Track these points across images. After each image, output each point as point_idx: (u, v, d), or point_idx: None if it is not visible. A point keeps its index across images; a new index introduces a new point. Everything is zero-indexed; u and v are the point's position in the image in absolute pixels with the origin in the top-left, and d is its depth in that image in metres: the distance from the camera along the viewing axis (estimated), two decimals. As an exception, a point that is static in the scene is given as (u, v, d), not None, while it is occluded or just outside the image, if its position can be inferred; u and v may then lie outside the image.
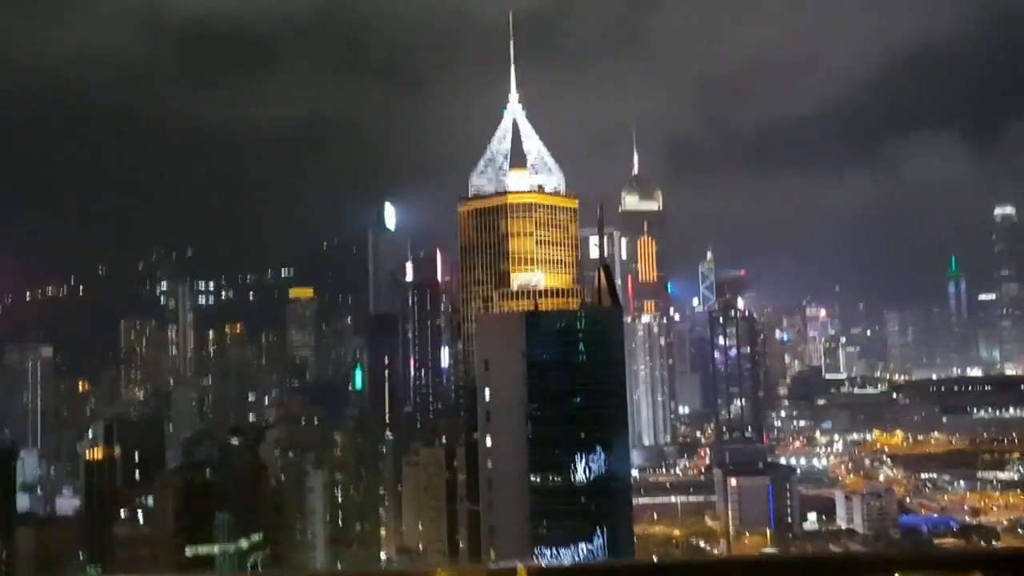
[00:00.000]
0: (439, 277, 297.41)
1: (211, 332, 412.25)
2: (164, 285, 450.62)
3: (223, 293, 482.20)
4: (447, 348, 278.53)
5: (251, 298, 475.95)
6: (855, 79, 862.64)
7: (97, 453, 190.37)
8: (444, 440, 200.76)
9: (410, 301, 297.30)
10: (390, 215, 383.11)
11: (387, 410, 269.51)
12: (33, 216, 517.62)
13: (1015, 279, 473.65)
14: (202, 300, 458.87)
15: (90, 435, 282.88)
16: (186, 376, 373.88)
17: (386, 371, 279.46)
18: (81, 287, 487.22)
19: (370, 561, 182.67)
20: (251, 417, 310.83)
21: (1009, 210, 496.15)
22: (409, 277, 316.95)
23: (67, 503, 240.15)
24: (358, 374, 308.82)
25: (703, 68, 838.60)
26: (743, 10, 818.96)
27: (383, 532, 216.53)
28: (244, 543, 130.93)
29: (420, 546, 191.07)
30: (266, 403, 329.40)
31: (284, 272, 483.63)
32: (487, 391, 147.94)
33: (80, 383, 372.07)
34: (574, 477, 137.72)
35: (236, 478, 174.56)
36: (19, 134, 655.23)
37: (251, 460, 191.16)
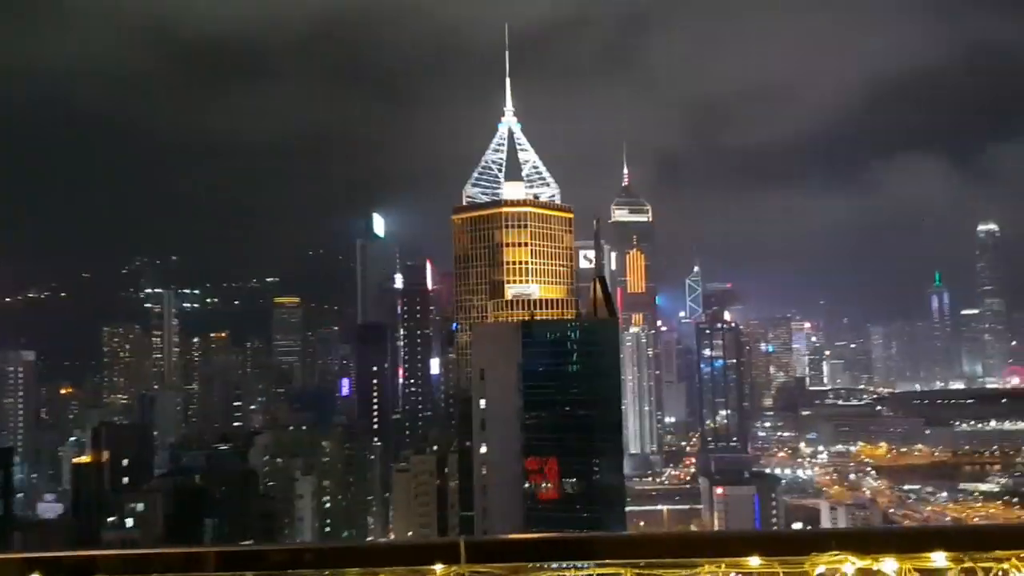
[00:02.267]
0: (429, 286, 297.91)
1: (196, 338, 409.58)
2: (149, 291, 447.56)
3: (208, 300, 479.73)
4: (437, 357, 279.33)
5: (237, 305, 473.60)
6: (844, 101, 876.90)
7: (85, 457, 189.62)
8: (435, 447, 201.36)
9: (399, 309, 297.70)
10: (379, 225, 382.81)
11: (375, 417, 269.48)
12: (18, 220, 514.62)
13: (997, 294, 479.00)
14: (187, 306, 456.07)
15: (74, 439, 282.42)
16: (171, 382, 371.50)
17: (374, 379, 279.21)
18: (64, 292, 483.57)
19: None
20: (237, 424, 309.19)
21: (992, 227, 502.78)
22: (398, 286, 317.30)
23: (49, 508, 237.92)
24: (346, 381, 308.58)
25: (694, 89, 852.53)
26: (734, 35, 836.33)
27: (371, 539, 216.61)
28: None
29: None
30: (252, 410, 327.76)
31: (270, 280, 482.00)
32: (482, 400, 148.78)
33: (62, 388, 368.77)
34: (569, 485, 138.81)
35: (225, 484, 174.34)
36: (6, 138, 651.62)
37: (240, 466, 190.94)
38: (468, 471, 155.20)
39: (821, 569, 3.47)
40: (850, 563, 3.53)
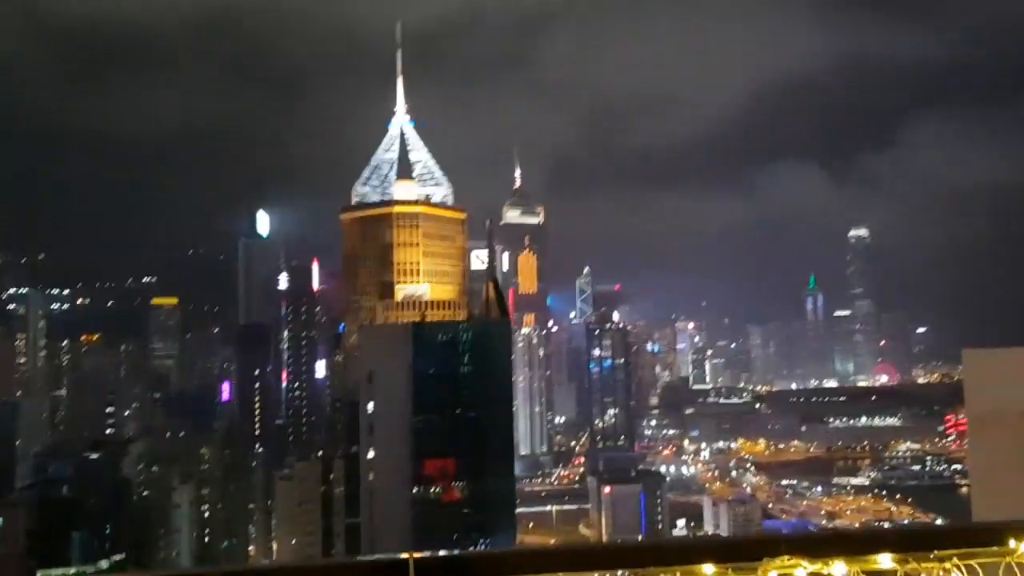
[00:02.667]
0: (315, 287, 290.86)
1: (65, 341, 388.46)
2: (12, 291, 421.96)
3: (79, 300, 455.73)
4: (323, 359, 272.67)
5: (110, 306, 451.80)
6: (727, 108, 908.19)
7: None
8: (320, 453, 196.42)
9: (283, 311, 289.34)
10: (263, 223, 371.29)
11: (257, 423, 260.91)
12: None
13: (867, 296, 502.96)
14: (55, 307, 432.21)
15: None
16: (36, 388, 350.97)
17: (257, 383, 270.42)
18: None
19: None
20: (110, 431, 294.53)
21: (862, 232, 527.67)
22: (283, 286, 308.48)
23: None
24: (226, 386, 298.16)
25: (586, 93, 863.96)
26: (625, 41, 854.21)
27: (252, 548, 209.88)
28: (104, 563, 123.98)
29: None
30: (126, 416, 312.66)
31: (147, 279, 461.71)
32: (370, 403, 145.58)
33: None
34: (458, 488, 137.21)
35: (96, 495, 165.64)
36: None
37: (112, 475, 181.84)
38: (355, 477, 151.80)
39: (774, 574, 2.91)
40: (802, 568, 2.95)
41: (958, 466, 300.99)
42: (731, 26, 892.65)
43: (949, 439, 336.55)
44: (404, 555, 3.47)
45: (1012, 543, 3.16)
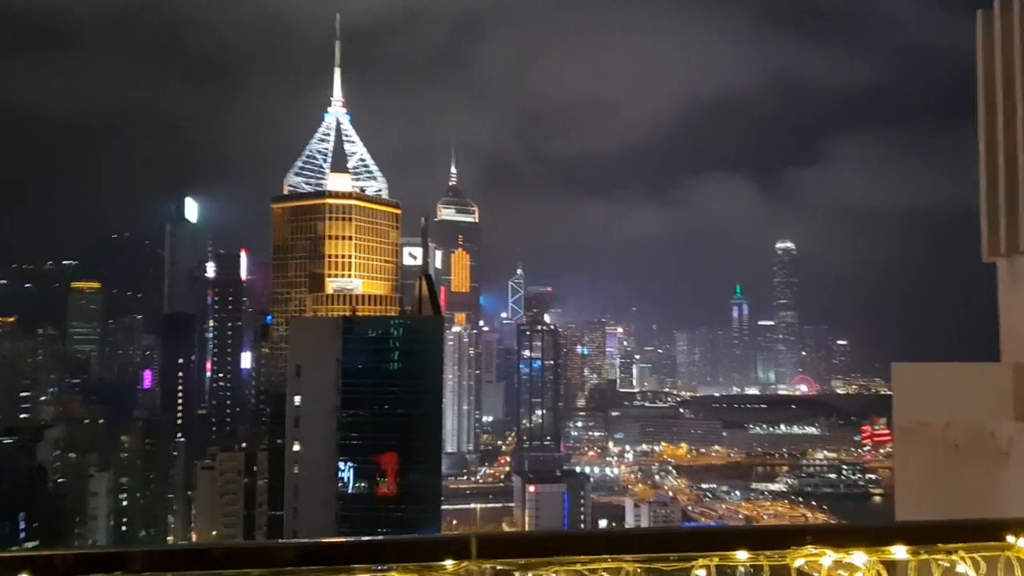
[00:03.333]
0: (243, 276, 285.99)
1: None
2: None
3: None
4: (249, 351, 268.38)
5: (28, 288, 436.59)
6: (661, 120, 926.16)
7: None
8: (244, 445, 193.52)
9: (210, 300, 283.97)
10: (192, 210, 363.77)
11: (180, 412, 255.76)
12: None
13: (791, 308, 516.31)
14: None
15: None
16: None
17: (180, 372, 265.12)
18: None
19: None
20: (24, 416, 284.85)
21: (788, 245, 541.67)
22: (210, 275, 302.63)
23: None
24: (148, 374, 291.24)
25: (523, 97, 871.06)
26: (562, 50, 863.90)
27: (171, 538, 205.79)
28: (16, 551, 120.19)
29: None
30: (43, 401, 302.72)
31: (67, 262, 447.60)
32: (297, 396, 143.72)
33: None
34: (383, 484, 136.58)
35: (9, 481, 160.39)
36: None
37: (26, 461, 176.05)
38: (279, 469, 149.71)
39: (800, 562, 3.04)
40: (827, 556, 3.10)
41: (872, 475, 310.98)
42: (667, 40, 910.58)
43: (864, 449, 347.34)
44: (467, 533, 3.68)
45: (1011, 539, 3.63)
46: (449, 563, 3.25)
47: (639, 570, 3.45)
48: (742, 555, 3.46)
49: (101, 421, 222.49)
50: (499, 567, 3.27)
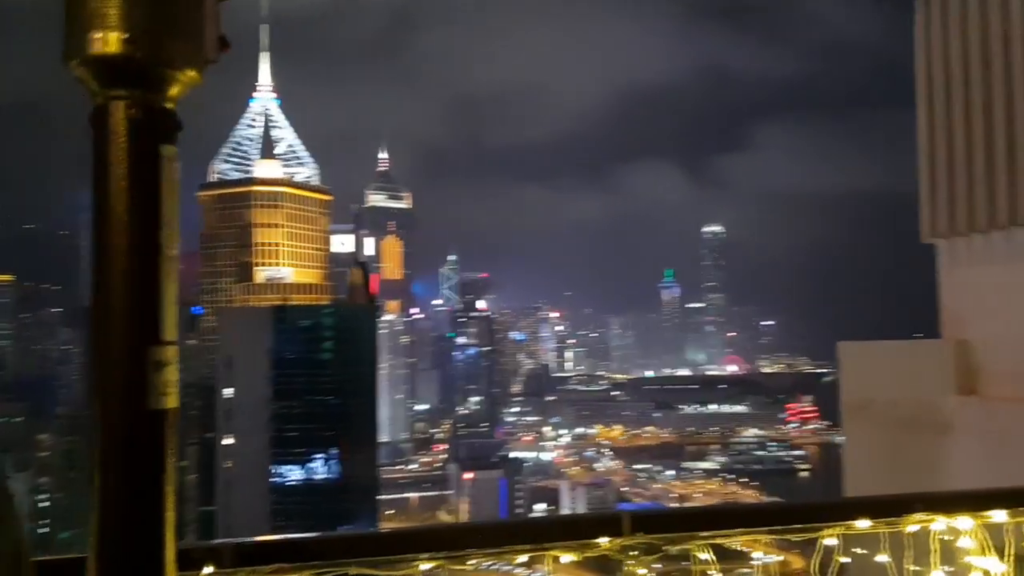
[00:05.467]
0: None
1: None
2: None
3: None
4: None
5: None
6: (590, 110, 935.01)
7: None
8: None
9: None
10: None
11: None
12: None
13: (720, 290, 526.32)
14: None
15: None
16: None
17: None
18: None
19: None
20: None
21: (716, 228, 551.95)
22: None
23: None
24: (68, 369, 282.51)
25: (455, 85, 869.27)
26: (496, 38, 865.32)
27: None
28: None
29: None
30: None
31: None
32: (228, 389, 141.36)
33: None
34: (318, 476, 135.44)
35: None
36: None
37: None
38: (209, 464, 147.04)
39: (914, 527, 3.19)
40: (938, 521, 3.27)
41: (798, 451, 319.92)
42: (598, 30, 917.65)
43: (791, 426, 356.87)
44: (618, 511, 3.92)
45: None
46: (604, 540, 3.46)
47: (772, 540, 3.75)
48: (863, 523, 3.73)
49: (19, 419, 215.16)
50: (649, 542, 3.51)
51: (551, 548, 3.27)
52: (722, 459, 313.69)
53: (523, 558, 3.27)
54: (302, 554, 3.08)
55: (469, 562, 3.22)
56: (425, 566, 3.03)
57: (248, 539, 3.14)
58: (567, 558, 3.30)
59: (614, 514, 3.46)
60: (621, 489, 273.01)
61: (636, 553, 3.42)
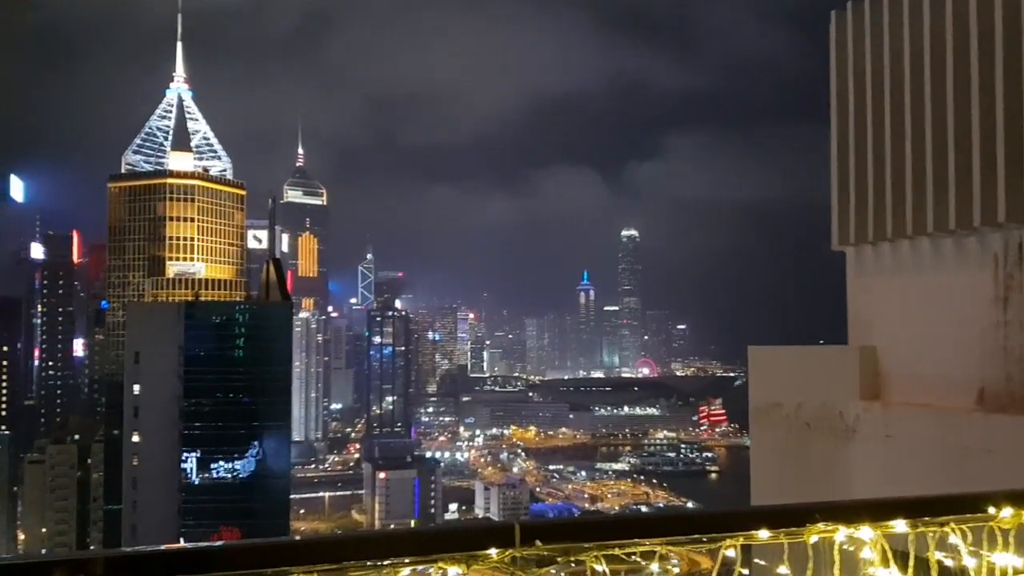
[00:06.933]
0: (75, 259, 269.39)
1: None
2: None
3: None
4: (82, 337, 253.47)
5: None
6: (509, 113, 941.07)
7: None
8: (77, 437, 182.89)
9: (38, 283, 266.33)
10: (17, 188, 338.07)
11: (4, 404, 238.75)
12: None
13: (635, 293, 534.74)
14: None
15: None
16: None
17: (4, 360, 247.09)
18: None
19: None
20: None
21: (632, 233, 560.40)
22: (38, 256, 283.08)
23: None
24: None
25: (372, 85, 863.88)
26: (412, 42, 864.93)
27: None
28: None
29: (43, 551, 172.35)
30: None
31: None
32: (136, 385, 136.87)
33: None
34: (229, 474, 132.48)
35: None
36: None
37: None
38: (116, 462, 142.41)
39: (815, 538, 3.23)
40: (840, 531, 3.35)
41: (709, 453, 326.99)
42: (511, 36, 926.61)
43: (702, 428, 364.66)
44: (510, 521, 3.82)
45: (991, 510, 4.04)
46: (493, 551, 3.35)
47: (670, 552, 3.72)
48: (764, 534, 3.73)
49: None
50: (542, 553, 3.41)
51: (437, 559, 3.18)
52: (634, 460, 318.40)
53: (406, 572, 3.32)
54: (161, 567, 2.95)
55: (350, 575, 3.12)
56: None
57: (104, 551, 2.94)
58: (454, 571, 3.34)
59: (504, 524, 3.37)
60: (535, 489, 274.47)
61: (527, 565, 3.32)
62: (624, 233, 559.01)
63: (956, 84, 9.80)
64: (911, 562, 3.97)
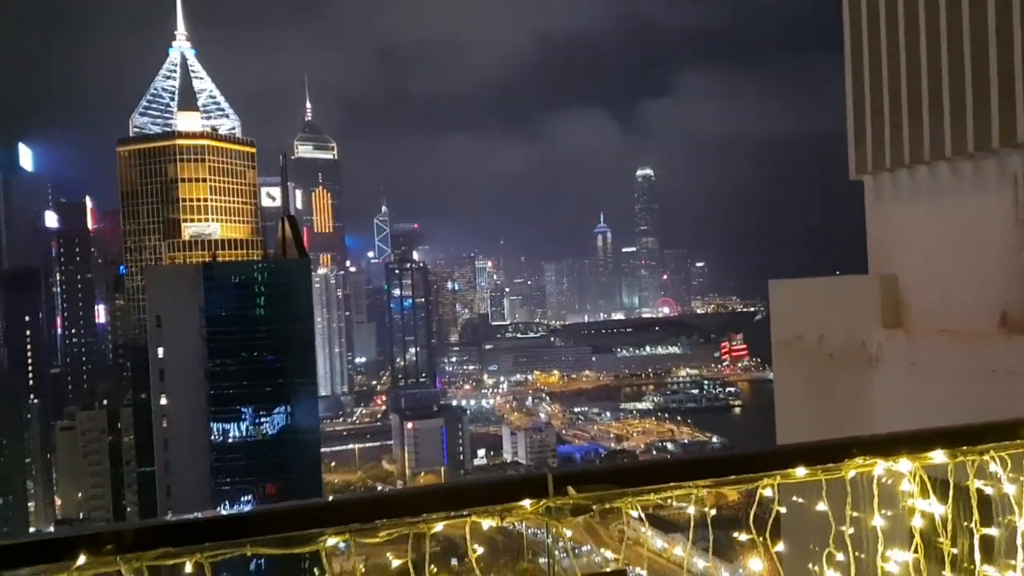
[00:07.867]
0: (90, 226, 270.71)
1: None
2: None
3: None
4: (103, 304, 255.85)
5: None
6: (516, 59, 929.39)
7: None
8: (105, 402, 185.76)
9: (54, 252, 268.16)
10: (26, 157, 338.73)
11: (31, 373, 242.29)
12: None
13: (652, 233, 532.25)
14: None
15: None
16: None
17: (27, 330, 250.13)
18: None
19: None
20: None
21: (648, 172, 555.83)
22: (52, 225, 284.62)
23: None
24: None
25: (378, 36, 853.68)
26: None
27: (32, 504, 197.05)
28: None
29: (81, 514, 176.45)
30: None
31: None
32: (160, 348, 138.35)
33: None
34: (258, 432, 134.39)
35: None
36: None
37: None
38: (146, 425, 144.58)
39: (853, 473, 3.26)
40: (878, 465, 3.37)
41: (732, 389, 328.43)
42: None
43: (723, 364, 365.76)
44: (542, 472, 3.80)
45: None
46: (527, 502, 3.32)
47: (708, 493, 3.70)
48: (801, 471, 3.71)
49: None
50: (576, 502, 3.38)
51: (470, 514, 3.15)
52: (658, 399, 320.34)
53: (439, 527, 3.30)
54: (188, 536, 3.09)
55: (381, 534, 3.26)
56: (332, 540, 3.17)
57: (127, 524, 2.96)
58: (488, 523, 3.33)
59: (536, 475, 3.34)
60: (561, 432, 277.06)
61: (562, 514, 3.27)
62: (639, 173, 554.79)
63: (971, 1, 9.55)
64: (951, 492, 4.02)
